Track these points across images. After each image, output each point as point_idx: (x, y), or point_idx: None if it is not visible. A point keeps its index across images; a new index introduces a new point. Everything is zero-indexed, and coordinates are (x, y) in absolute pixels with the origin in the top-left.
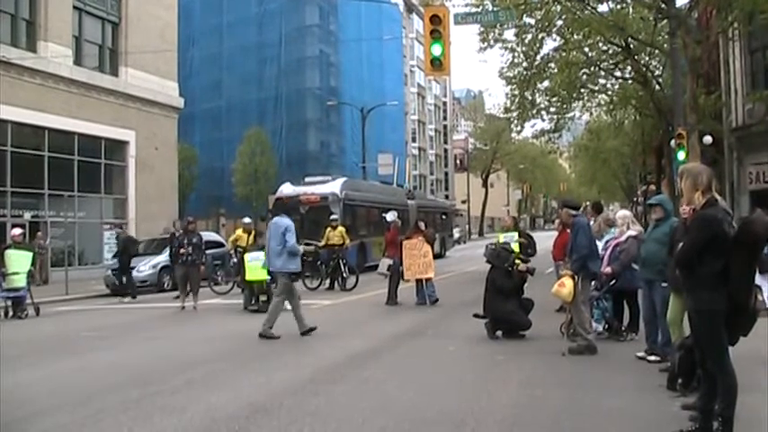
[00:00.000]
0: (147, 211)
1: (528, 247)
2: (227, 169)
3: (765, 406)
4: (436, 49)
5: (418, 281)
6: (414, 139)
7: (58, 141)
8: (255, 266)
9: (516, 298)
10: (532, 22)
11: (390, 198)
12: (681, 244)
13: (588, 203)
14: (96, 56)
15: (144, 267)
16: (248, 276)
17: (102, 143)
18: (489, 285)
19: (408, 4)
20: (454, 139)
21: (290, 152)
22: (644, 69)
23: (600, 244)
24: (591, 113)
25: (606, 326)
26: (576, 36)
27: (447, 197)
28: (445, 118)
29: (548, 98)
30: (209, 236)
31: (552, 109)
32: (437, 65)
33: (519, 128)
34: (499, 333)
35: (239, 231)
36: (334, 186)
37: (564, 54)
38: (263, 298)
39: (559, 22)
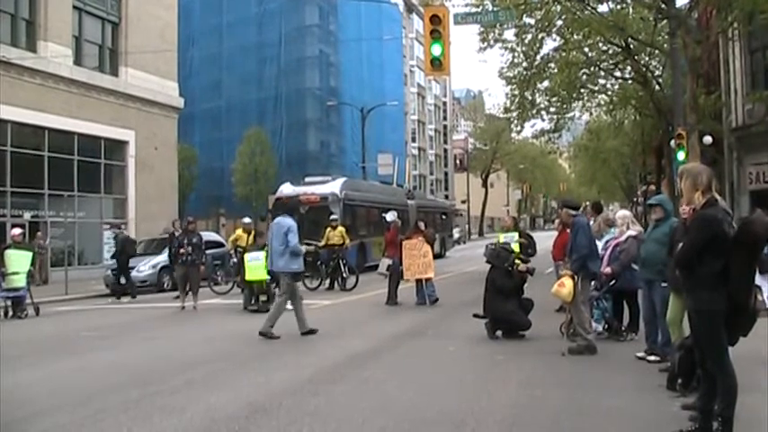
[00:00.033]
0: (146, 211)
1: (528, 247)
2: (226, 169)
3: (765, 406)
4: (436, 49)
5: (418, 281)
6: (414, 139)
7: (57, 141)
8: (255, 266)
9: (516, 298)
10: (532, 22)
11: (390, 198)
12: (681, 244)
13: (588, 203)
14: (96, 56)
15: (144, 267)
16: (248, 276)
17: (101, 143)
18: (489, 285)
19: (408, 4)
20: (454, 139)
21: (290, 152)
22: (644, 69)
23: (600, 244)
24: (591, 113)
25: (606, 326)
26: (575, 36)
27: (447, 197)
28: (445, 118)
29: (548, 98)
30: (208, 236)
31: (552, 109)
32: (437, 65)
33: (519, 128)
34: (499, 333)
35: (239, 231)
36: (334, 186)
37: (564, 54)
38: (262, 298)
39: (559, 22)
